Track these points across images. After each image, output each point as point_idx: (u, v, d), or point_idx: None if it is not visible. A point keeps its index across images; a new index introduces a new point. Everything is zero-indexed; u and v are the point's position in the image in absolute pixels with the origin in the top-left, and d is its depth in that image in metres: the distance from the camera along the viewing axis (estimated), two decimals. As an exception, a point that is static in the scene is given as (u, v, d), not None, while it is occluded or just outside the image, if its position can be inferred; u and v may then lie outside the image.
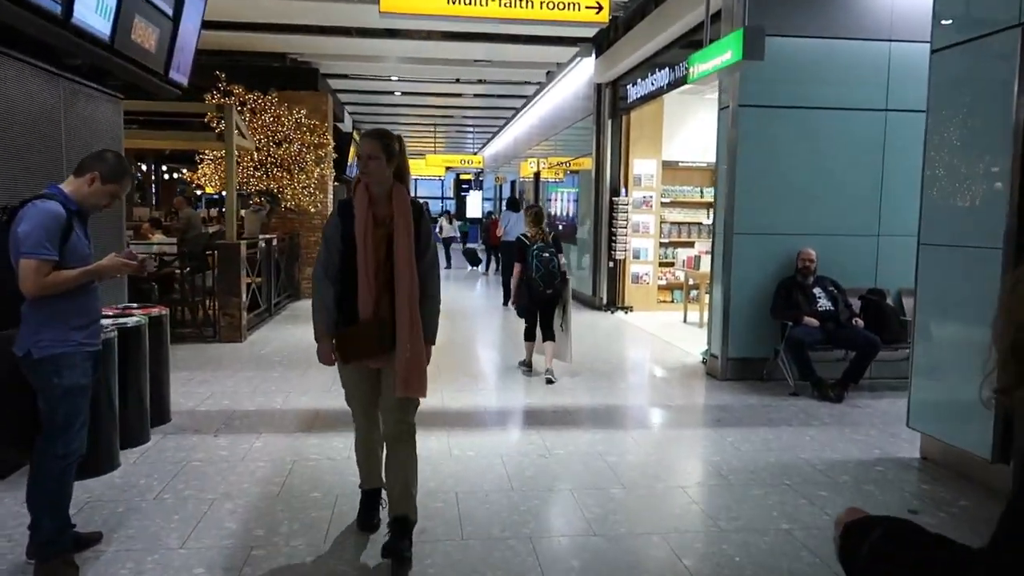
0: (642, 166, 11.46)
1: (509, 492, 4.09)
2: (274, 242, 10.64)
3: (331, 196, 12.75)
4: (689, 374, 7.28)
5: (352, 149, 21.36)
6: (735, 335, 6.92)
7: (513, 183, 21.67)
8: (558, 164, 14.92)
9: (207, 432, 5.11)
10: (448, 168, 29.81)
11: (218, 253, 8.56)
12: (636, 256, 11.54)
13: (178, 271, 8.84)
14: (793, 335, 6.36)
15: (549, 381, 6.64)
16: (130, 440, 4.72)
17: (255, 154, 11.08)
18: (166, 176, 17.76)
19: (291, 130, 11.18)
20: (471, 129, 21.42)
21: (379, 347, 3.16)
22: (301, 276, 12.49)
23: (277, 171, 11.11)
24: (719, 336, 7.01)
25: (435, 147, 22.30)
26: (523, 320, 7.15)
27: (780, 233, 6.90)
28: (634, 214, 11.40)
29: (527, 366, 7.10)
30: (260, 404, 5.89)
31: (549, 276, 6.60)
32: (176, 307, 9.30)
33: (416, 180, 40.00)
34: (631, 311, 11.39)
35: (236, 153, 10.58)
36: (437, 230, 18.77)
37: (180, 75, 5.80)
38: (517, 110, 18.68)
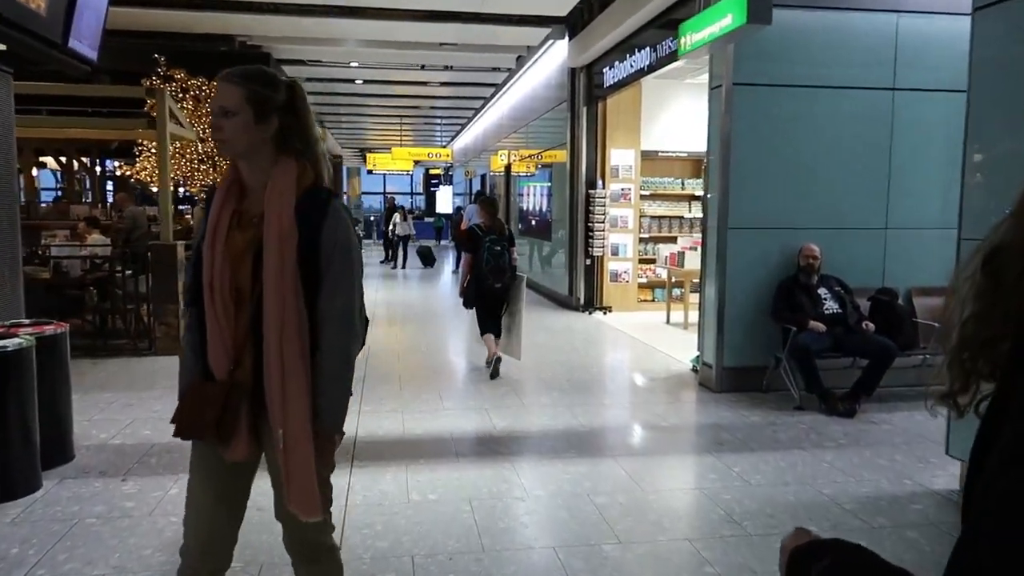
0: (620, 156, 10.72)
1: (479, 555, 3.29)
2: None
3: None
4: (679, 384, 6.54)
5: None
6: (731, 342, 6.20)
7: (483, 177, 20.85)
8: (530, 156, 14.14)
9: (115, 475, 4.24)
10: (416, 162, 28.89)
11: (152, 255, 7.62)
12: (615, 253, 10.80)
13: (119, 274, 7.88)
14: (798, 342, 5.65)
15: (493, 376, 6.48)
16: (12, 490, 3.85)
17: (199, 145, 10.11)
18: (111, 171, 16.60)
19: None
20: (439, 121, 20.54)
21: (219, 429, 1.97)
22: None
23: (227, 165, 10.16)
24: (713, 343, 6.29)
25: (401, 139, 21.36)
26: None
27: (779, 227, 6.19)
28: (612, 208, 10.65)
29: (496, 362, 6.58)
30: (187, 434, 5.01)
31: (499, 270, 6.37)
32: (110, 316, 8.36)
33: (384, 175, 39.05)
34: (610, 311, 10.65)
35: (176, 144, 9.63)
36: (391, 227, 17.61)
37: (85, 47, 4.89)
38: (486, 100, 17.87)
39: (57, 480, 4.11)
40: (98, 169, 15.53)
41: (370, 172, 33.45)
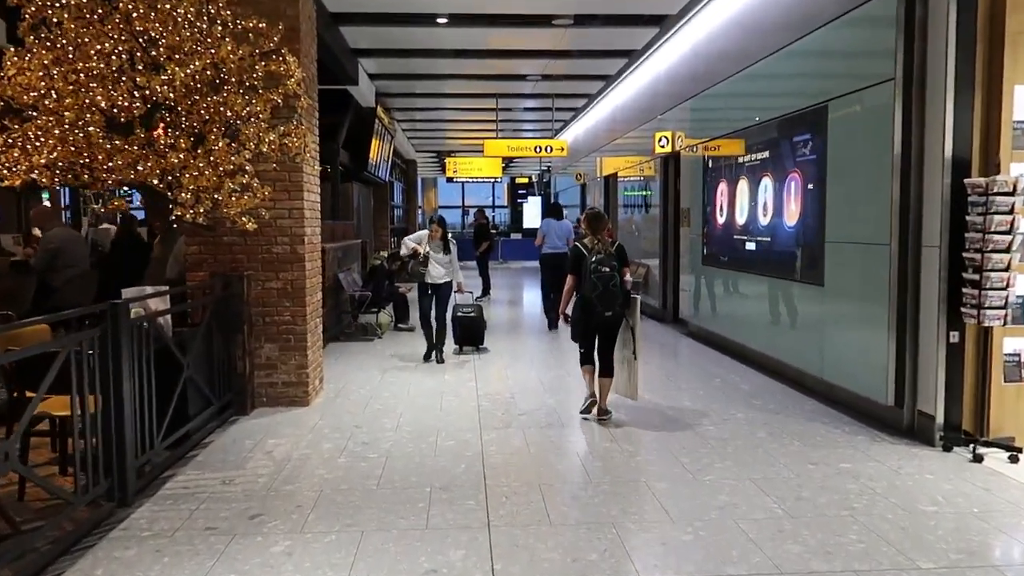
0: (1033, 105, 4.77)
1: None
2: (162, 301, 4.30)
3: (307, 200, 6.29)
4: None
5: (375, 140, 15.10)
6: None
7: (607, 181, 15.09)
8: (733, 131, 8.26)
9: None
10: (510, 162, 23.56)
11: None
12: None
13: None
14: None
15: (602, 419, 5.59)
16: None
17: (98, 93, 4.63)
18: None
19: (202, 39, 4.73)
20: (555, 99, 14.81)
21: None
22: (254, 360, 6.09)
23: (169, 134, 4.69)
24: None
25: (496, 130, 15.80)
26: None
27: None
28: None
29: (591, 401, 5.69)
30: None
31: (609, 296, 5.46)
32: None
33: (463, 184, 33.86)
34: (1021, 454, 4.66)
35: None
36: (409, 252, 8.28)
37: None
38: (629, 60, 12.04)
39: None
40: None
41: (450, 180, 28.22)
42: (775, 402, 6.23)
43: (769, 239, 7.35)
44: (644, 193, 12.46)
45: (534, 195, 32.27)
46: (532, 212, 33.65)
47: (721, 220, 8.69)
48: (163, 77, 4.46)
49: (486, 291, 14.05)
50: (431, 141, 23.53)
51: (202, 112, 4.89)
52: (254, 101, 5.16)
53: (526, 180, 34.51)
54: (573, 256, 5.75)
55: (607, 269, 5.46)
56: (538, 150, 14.68)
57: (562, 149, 14.97)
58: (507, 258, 25.49)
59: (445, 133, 21.66)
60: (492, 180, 30.76)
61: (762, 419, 5.70)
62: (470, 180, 30.89)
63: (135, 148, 4.65)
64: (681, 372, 7.55)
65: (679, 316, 10.69)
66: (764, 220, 7.45)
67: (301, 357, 6.17)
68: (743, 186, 8.01)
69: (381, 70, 12.32)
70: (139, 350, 4.28)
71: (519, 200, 34.80)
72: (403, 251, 8.22)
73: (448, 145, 24.35)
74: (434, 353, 8.08)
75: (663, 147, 10.56)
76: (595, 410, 5.70)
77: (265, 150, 5.27)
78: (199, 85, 4.81)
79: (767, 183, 7.37)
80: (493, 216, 37.98)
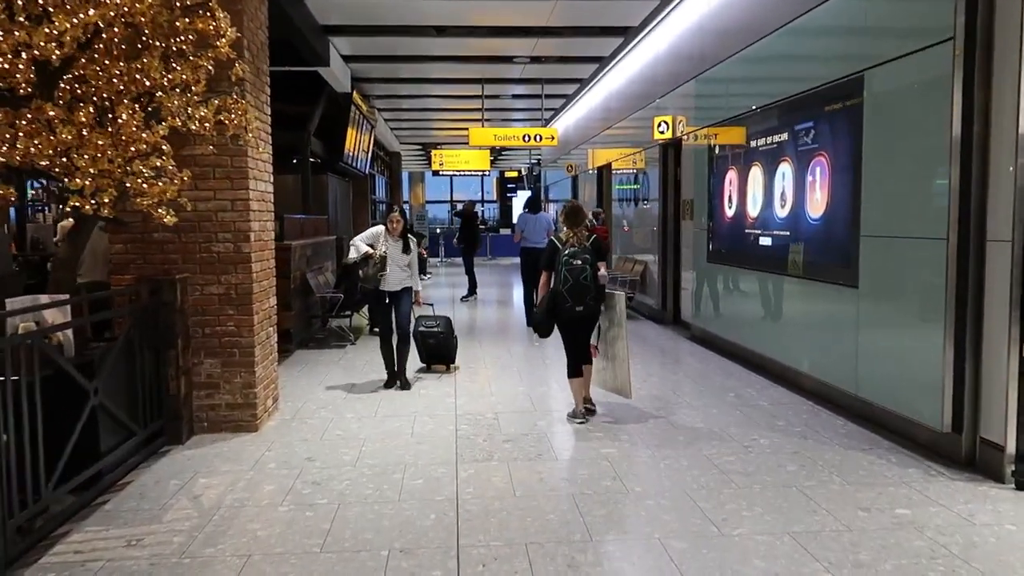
0: None
1: None
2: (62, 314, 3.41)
3: (254, 190, 5.32)
4: None
5: (351, 129, 14.04)
6: None
7: (601, 172, 14.19)
8: (757, 109, 7.37)
9: None
10: (500, 152, 22.67)
11: None
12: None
13: None
14: None
15: (588, 411, 5.47)
16: None
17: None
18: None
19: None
20: (544, 84, 13.91)
21: None
22: (191, 380, 5.17)
23: (62, 105, 3.76)
24: None
25: (483, 117, 14.84)
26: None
27: None
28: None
29: (579, 416, 5.43)
30: None
31: (579, 289, 5.26)
32: None
33: (451, 177, 32.82)
34: (1116, 496, 3.81)
35: None
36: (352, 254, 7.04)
37: None
38: (626, 38, 11.16)
39: None
40: None
41: (436, 173, 27.31)
42: (801, 423, 5.36)
43: (788, 233, 6.47)
44: (640, 185, 11.56)
45: (524, 189, 31.31)
46: (521, 206, 32.74)
47: (730, 213, 7.81)
48: (46, 31, 3.51)
49: (472, 291, 13.14)
50: (415, 132, 22.57)
51: (114, 81, 3.99)
52: (179, 67, 4.25)
53: (516, 174, 33.58)
54: (548, 251, 5.60)
55: (578, 262, 5.30)
56: (527, 139, 13.77)
57: (552, 138, 14.05)
58: (496, 255, 24.55)
59: (430, 124, 20.72)
60: (480, 173, 29.87)
61: (790, 446, 4.83)
62: (457, 173, 30.02)
63: (21, 122, 3.72)
64: (688, 384, 6.67)
65: (680, 317, 9.82)
66: (782, 212, 6.57)
67: (248, 374, 5.25)
68: (756, 174, 7.12)
69: (356, 50, 11.36)
70: (23, 374, 3.37)
71: (508, 195, 33.84)
72: (352, 254, 6.56)
73: (434, 137, 23.40)
74: (397, 380, 6.56)
75: (663, 133, 9.69)
76: (588, 412, 5.56)
77: (195, 128, 4.36)
78: (104, 46, 3.89)
79: (786, 170, 6.49)
80: (482, 211, 37.04)
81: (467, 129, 14.51)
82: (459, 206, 20.81)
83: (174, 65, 4.18)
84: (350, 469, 4.48)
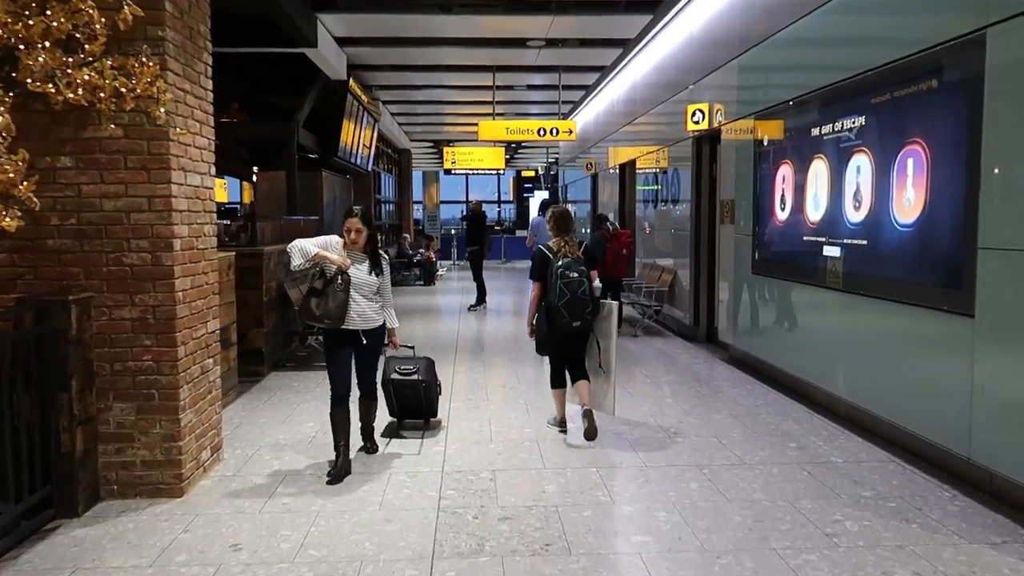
0: None
1: None
2: None
3: (181, 184, 4.09)
4: None
5: (347, 121, 12.79)
6: None
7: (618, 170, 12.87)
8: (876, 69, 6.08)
9: None
10: (516, 147, 21.52)
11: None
12: None
13: None
14: None
15: (589, 435, 4.85)
16: None
17: None
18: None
19: None
20: (561, 72, 12.64)
21: None
22: (95, 430, 3.97)
23: None
24: None
25: (493, 111, 13.59)
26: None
27: None
28: None
29: (560, 425, 5.29)
30: None
31: (577, 304, 4.91)
32: None
33: (467, 176, 31.53)
34: None
35: None
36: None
37: None
38: (653, 21, 9.86)
39: None
40: None
41: (448, 172, 26.08)
42: (895, 494, 4.06)
43: (865, 242, 5.16)
44: (669, 185, 10.25)
45: (541, 189, 30.02)
46: (537, 209, 31.35)
47: (783, 216, 6.51)
48: None
49: (481, 299, 11.91)
50: (426, 127, 21.40)
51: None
52: (50, 13, 3.06)
53: (532, 173, 32.29)
54: (538, 260, 5.15)
55: (575, 275, 4.94)
56: (542, 132, 12.49)
57: (570, 132, 12.77)
58: (511, 258, 23.30)
59: (440, 118, 19.53)
60: (495, 172, 28.69)
61: (891, 536, 3.53)
62: (471, 172, 28.82)
63: None
64: (736, 428, 5.38)
65: (715, 335, 8.52)
66: (856, 215, 5.27)
67: (170, 423, 4.04)
68: (819, 169, 5.82)
69: (351, 32, 10.14)
70: None
71: (524, 195, 32.55)
72: (295, 262, 4.33)
73: (446, 133, 22.21)
74: (341, 460, 4.38)
75: (697, 123, 8.39)
76: (564, 428, 5.31)
77: (73, 97, 3.16)
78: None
79: (862, 163, 5.18)
80: (499, 212, 35.74)
81: (478, 124, 13.28)
82: (468, 205, 19.67)
83: (35, 6, 2.99)
84: (285, 569, 3.25)
